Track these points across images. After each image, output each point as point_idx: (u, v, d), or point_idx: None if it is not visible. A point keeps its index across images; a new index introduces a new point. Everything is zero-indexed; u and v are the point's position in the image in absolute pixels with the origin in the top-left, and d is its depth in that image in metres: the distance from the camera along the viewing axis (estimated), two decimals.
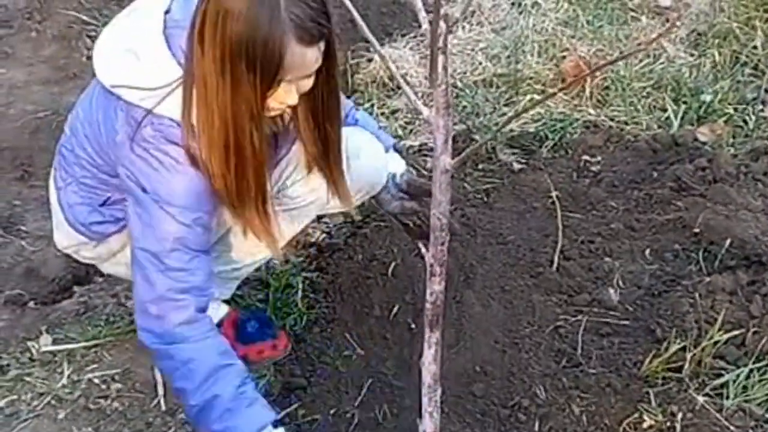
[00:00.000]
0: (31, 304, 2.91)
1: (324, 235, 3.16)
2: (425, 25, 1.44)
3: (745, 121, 3.71)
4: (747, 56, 4.06)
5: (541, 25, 4.29)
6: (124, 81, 2.07)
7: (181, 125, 2.04)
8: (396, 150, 2.77)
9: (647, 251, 3.00)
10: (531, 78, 3.94)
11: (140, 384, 2.54)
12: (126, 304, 2.83)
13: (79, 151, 2.28)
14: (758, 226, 2.97)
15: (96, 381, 2.55)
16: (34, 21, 4.44)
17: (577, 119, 3.73)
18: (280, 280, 2.92)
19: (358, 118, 2.68)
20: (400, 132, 3.68)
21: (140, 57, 2.08)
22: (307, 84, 2.09)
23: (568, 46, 4.10)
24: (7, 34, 4.35)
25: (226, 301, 2.71)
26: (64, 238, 2.48)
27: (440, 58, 1.41)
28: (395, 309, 2.81)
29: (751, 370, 2.52)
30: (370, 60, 4.12)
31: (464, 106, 3.80)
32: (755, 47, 4.08)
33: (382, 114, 3.79)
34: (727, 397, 2.45)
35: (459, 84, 3.94)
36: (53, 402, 2.48)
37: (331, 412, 2.59)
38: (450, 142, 1.51)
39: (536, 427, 2.49)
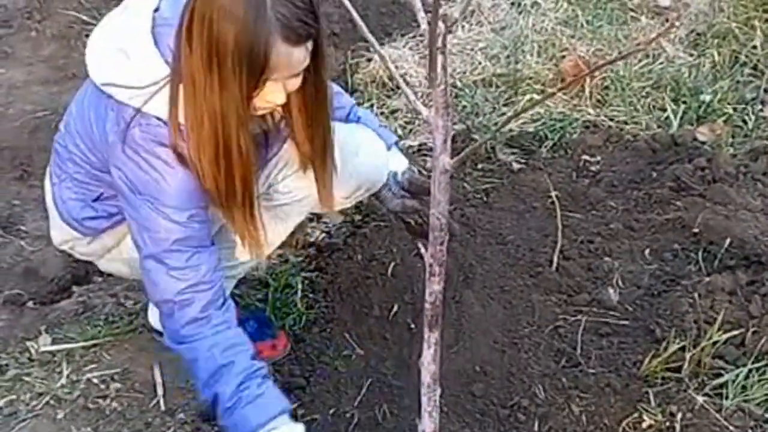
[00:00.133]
0: (30, 303, 2.91)
1: (323, 234, 3.16)
2: (424, 25, 1.44)
3: (744, 121, 3.71)
4: (746, 56, 4.06)
5: (541, 25, 4.29)
6: (113, 79, 2.08)
7: (168, 124, 2.04)
8: (398, 148, 2.76)
9: (647, 251, 3.00)
10: (530, 78, 3.94)
11: (139, 384, 2.54)
12: (125, 304, 2.83)
13: (72, 147, 2.29)
14: (757, 226, 2.97)
15: (95, 381, 2.55)
16: (33, 21, 4.44)
17: (577, 119, 3.73)
18: (279, 280, 2.91)
19: (360, 116, 2.68)
20: (399, 132, 3.68)
21: (129, 55, 2.08)
22: (295, 83, 2.09)
23: (567, 45, 4.10)
24: (7, 33, 4.34)
25: None
26: (59, 234, 2.49)
27: (439, 58, 1.41)
28: (394, 309, 2.81)
29: (751, 370, 2.51)
30: (369, 60, 4.12)
31: (464, 106, 3.80)
32: (754, 47, 4.08)
33: (382, 114, 3.79)
34: (727, 397, 2.45)
35: (458, 84, 3.94)
36: (52, 402, 2.47)
37: (331, 411, 2.59)
38: (449, 142, 1.51)
39: (536, 427, 2.49)
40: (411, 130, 3.72)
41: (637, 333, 2.72)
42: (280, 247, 3.09)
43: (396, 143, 2.75)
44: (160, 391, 2.52)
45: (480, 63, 4.09)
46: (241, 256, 2.47)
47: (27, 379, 2.54)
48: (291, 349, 2.70)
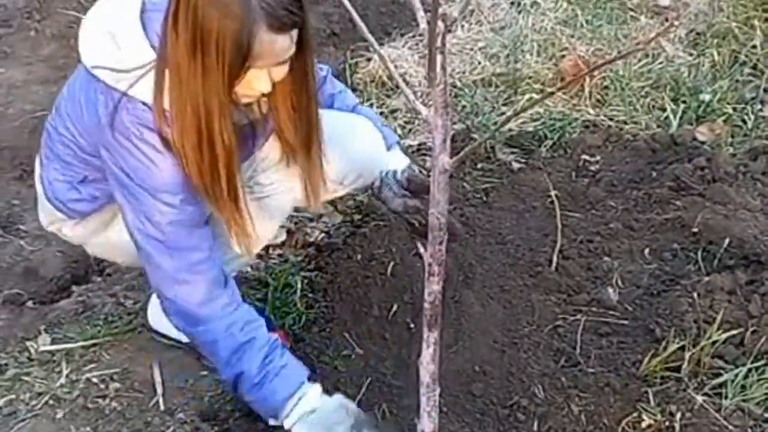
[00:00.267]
0: (30, 303, 2.91)
1: (323, 234, 3.16)
2: (423, 25, 1.44)
3: (744, 121, 3.71)
4: (746, 56, 4.06)
5: (540, 25, 4.30)
6: (102, 62, 2.10)
7: (153, 109, 2.06)
8: (399, 147, 2.76)
9: (646, 251, 3.00)
10: (530, 77, 3.94)
11: (139, 383, 2.54)
12: (125, 303, 2.83)
13: (61, 129, 2.30)
14: (757, 226, 2.97)
15: (94, 380, 2.54)
16: (33, 20, 4.44)
17: (576, 119, 3.73)
18: (278, 279, 2.91)
19: (362, 113, 2.68)
20: (399, 131, 3.68)
21: (117, 39, 2.10)
22: (281, 72, 2.10)
23: (567, 45, 4.10)
24: (7, 33, 4.35)
25: None
26: (46, 215, 2.51)
27: (439, 58, 1.40)
28: (394, 308, 2.81)
29: (750, 370, 2.51)
30: (369, 59, 4.12)
31: (463, 106, 3.80)
32: (754, 47, 4.09)
33: (382, 113, 3.78)
34: (726, 397, 2.45)
35: (458, 83, 3.94)
36: (51, 401, 2.47)
37: None
38: (449, 141, 1.51)
39: (535, 427, 2.48)
40: (410, 130, 3.73)
41: (636, 332, 2.72)
42: (279, 246, 3.10)
43: (397, 143, 2.75)
44: (159, 390, 2.52)
45: (479, 62, 4.09)
46: (230, 250, 2.45)
47: (26, 378, 2.54)
48: (290, 349, 2.69)
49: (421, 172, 2.73)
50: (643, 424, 2.42)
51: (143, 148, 2.09)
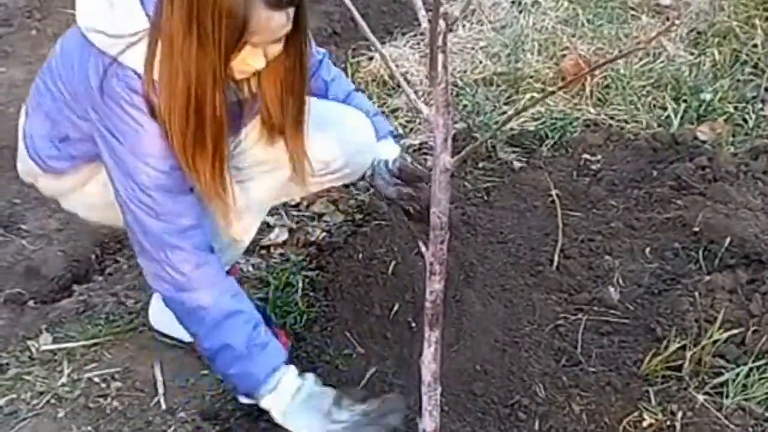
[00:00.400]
0: (31, 302, 2.91)
1: (324, 233, 3.16)
2: (425, 24, 1.44)
3: (745, 120, 3.72)
4: (747, 55, 4.06)
5: (541, 24, 4.30)
6: (95, 25, 2.10)
7: (142, 78, 2.06)
8: (392, 137, 2.76)
9: (647, 250, 3.00)
10: (531, 76, 3.95)
11: (140, 383, 2.54)
12: (126, 302, 2.83)
13: (50, 84, 2.30)
14: (758, 225, 2.97)
15: (96, 380, 2.55)
16: (33, 19, 4.44)
17: (577, 118, 3.74)
18: (280, 278, 2.91)
19: (357, 100, 2.69)
20: (400, 130, 3.68)
21: (113, 4, 2.10)
22: (276, 49, 2.11)
23: (568, 44, 4.10)
24: (7, 32, 4.35)
25: None
26: (23, 167, 2.51)
27: (440, 57, 1.41)
28: (395, 308, 2.81)
29: (751, 369, 2.51)
30: (370, 58, 4.12)
31: (464, 105, 3.80)
32: (755, 46, 4.09)
33: (383, 113, 3.78)
34: (727, 396, 2.45)
35: (459, 82, 3.94)
36: (53, 401, 2.48)
37: None
38: (450, 140, 1.51)
39: (536, 426, 2.48)
40: (412, 129, 3.73)
41: (637, 332, 2.72)
42: (281, 245, 3.10)
43: (390, 132, 2.75)
44: (160, 389, 2.52)
45: (481, 62, 4.09)
46: (220, 239, 2.44)
47: (28, 378, 2.55)
48: (291, 348, 2.69)
49: (413, 162, 2.74)
50: (644, 423, 2.42)
51: (132, 113, 2.09)
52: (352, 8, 1.50)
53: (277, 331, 2.67)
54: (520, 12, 4.46)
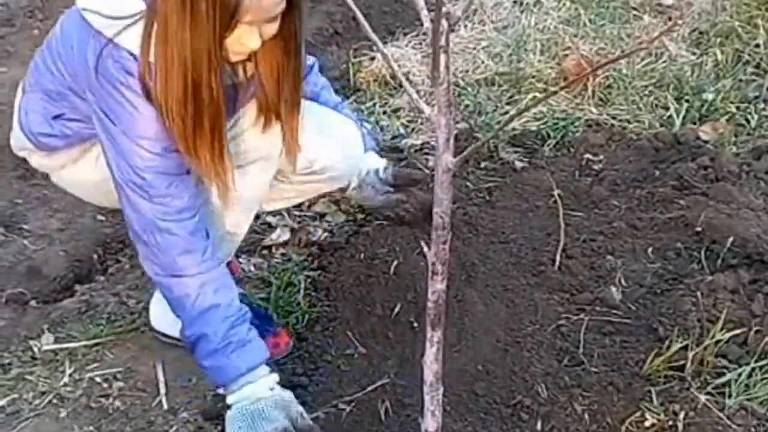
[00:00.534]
0: (33, 302, 2.91)
1: (326, 233, 3.16)
2: (427, 24, 1.44)
3: (747, 120, 3.71)
4: (749, 55, 4.06)
5: (543, 24, 4.30)
6: (92, 6, 2.13)
7: (138, 60, 2.07)
8: (376, 153, 2.77)
9: (649, 250, 3.00)
10: (533, 76, 3.94)
11: (142, 383, 2.55)
12: (128, 303, 2.83)
13: (50, 63, 2.32)
14: (760, 225, 2.97)
15: (98, 380, 2.55)
16: (35, 19, 4.45)
17: (579, 118, 3.73)
18: (281, 278, 2.91)
19: (344, 113, 2.69)
20: (402, 130, 3.68)
21: None
22: (271, 29, 2.12)
23: (570, 44, 4.10)
24: (9, 32, 4.35)
25: None
26: (16, 142, 2.53)
27: (442, 57, 1.40)
28: (397, 308, 2.81)
29: (753, 369, 2.51)
30: (372, 58, 4.12)
31: (466, 105, 3.80)
32: (757, 46, 4.09)
33: (384, 113, 3.78)
34: (729, 396, 2.45)
35: (461, 82, 3.94)
36: (55, 401, 2.48)
37: (333, 410, 2.58)
38: (452, 140, 1.51)
39: (538, 426, 2.48)
40: (413, 129, 3.72)
41: (639, 332, 2.72)
42: (282, 245, 3.10)
43: (373, 149, 2.76)
44: (162, 389, 2.53)
45: (483, 62, 4.09)
46: (217, 229, 2.44)
47: (30, 377, 2.55)
48: (293, 348, 2.69)
49: (418, 169, 2.76)
50: (647, 423, 2.41)
51: (127, 94, 2.10)
52: (355, 8, 1.50)
53: (279, 331, 2.68)
54: (522, 12, 4.46)
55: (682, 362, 2.55)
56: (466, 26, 4.36)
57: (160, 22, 2.03)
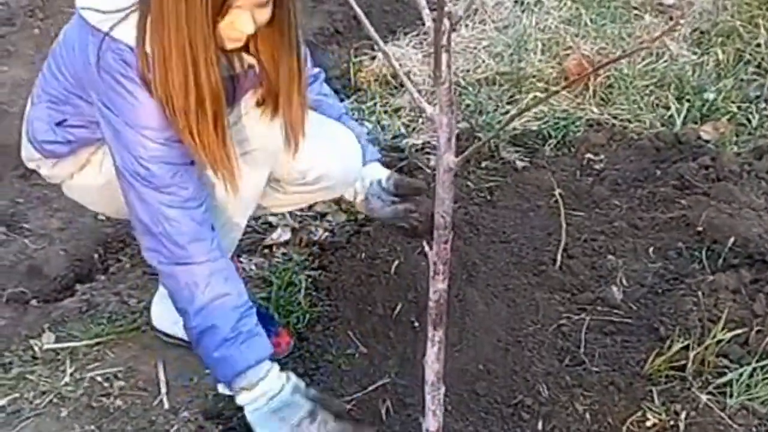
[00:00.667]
0: (34, 302, 2.91)
1: (327, 233, 3.16)
2: (429, 23, 1.44)
3: (748, 120, 3.72)
4: (750, 54, 4.06)
5: (544, 23, 4.30)
6: (89, 3, 2.14)
7: (135, 52, 2.08)
8: (380, 164, 2.77)
9: (650, 249, 3.00)
10: (534, 76, 3.95)
11: (143, 382, 2.54)
12: (129, 302, 2.83)
13: (55, 69, 2.33)
14: (761, 225, 2.97)
15: (99, 379, 2.55)
16: (36, 18, 4.45)
17: (581, 117, 3.73)
18: (282, 278, 2.91)
19: (348, 124, 2.69)
20: (403, 130, 3.68)
21: None
22: (264, 14, 2.12)
23: (571, 44, 4.10)
24: (10, 31, 4.35)
25: None
26: (26, 152, 2.54)
27: (444, 56, 1.40)
28: (398, 307, 2.81)
29: (755, 369, 2.51)
30: (373, 58, 4.13)
31: (467, 104, 3.80)
32: (758, 45, 4.09)
33: (385, 112, 3.78)
34: (731, 396, 2.45)
35: (462, 82, 3.94)
36: (56, 400, 2.47)
37: None
38: (454, 140, 1.51)
39: (539, 426, 2.48)
40: (414, 128, 3.72)
41: (641, 331, 2.72)
42: (283, 245, 3.10)
43: (378, 160, 2.76)
44: (163, 389, 2.52)
45: (484, 61, 4.09)
46: (217, 220, 2.44)
47: (30, 377, 2.55)
48: (294, 347, 2.69)
49: (404, 177, 2.75)
50: (648, 423, 2.41)
51: (128, 85, 2.11)
52: (356, 7, 1.50)
53: (280, 331, 2.67)
54: (523, 11, 4.46)
55: (683, 362, 2.55)
56: (467, 26, 4.36)
57: (155, 12, 2.04)
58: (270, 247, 3.10)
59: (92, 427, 2.40)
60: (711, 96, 3.78)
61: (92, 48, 2.12)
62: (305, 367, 2.67)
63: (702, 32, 4.29)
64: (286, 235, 3.14)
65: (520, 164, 3.49)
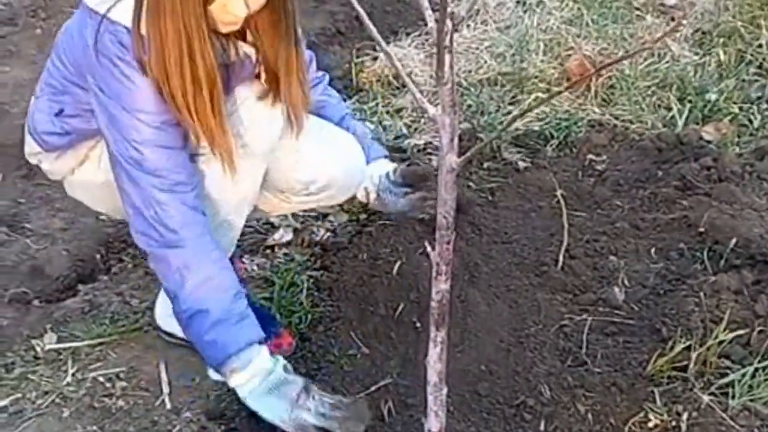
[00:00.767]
0: (36, 302, 2.91)
1: (329, 233, 3.16)
2: (431, 23, 1.44)
3: (750, 120, 3.71)
4: (752, 55, 4.06)
5: (546, 24, 4.30)
6: None
7: (131, 33, 2.11)
8: (388, 161, 2.77)
9: (652, 250, 3.00)
10: (536, 77, 3.95)
11: (145, 382, 2.54)
12: (131, 302, 2.83)
13: (56, 60, 2.35)
14: (763, 225, 2.97)
15: (101, 379, 2.55)
16: (38, 19, 4.45)
17: (582, 118, 3.73)
18: (284, 278, 2.91)
19: (352, 124, 2.69)
20: (404, 131, 3.68)
21: None
22: None
23: (572, 44, 4.10)
24: (12, 32, 4.36)
25: None
26: (28, 146, 2.57)
27: (447, 57, 1.40)
28: (400, 308, 2.81)
29: (757, 370, 2.51)
30: (375, 58, 4.13)
31: (469, 105, 3.80)
32: (760, 46, 4.09)
33: (387, 113, 3.78)
34: (733, 397, 2.44)
35: (464, 83, 3.94)
36: (58, 400, 2.48)
37: None
38: (456, 140, 1.51)
39: (541, 427, 2.48)
40: (416, 129, 3.72)
41: (642, 332, 2.72)
42: (285, 245, 3.10)
43: (385, 156, 2.76)
44: (165, 389, 2.52)
45: (485, 62, 4.09)
46: (216, 218, 2.45)
47: (33, 377, 2.55)
48: (296, 348, 2.69)
49: (408, 167, 2.75)
50: (650, 424, 2.41)
51: (123, 67, 2.13)
52: (359, 8, 1.50)
53: (282, 331, 2.68)
54: (525, 12, 4.46)
55: (685, 363, 2.55)
56: (468, 26, 4.36)
57: None
58: (272, 247, 3.10)
59: (94, 427, 2.40)
60: (713, 97, 3.78)
61: (90, 31, 2.15)
62: (307, 367, 2.67)
63: (703, 33, 4.29)
64: (288, 236, 3.14)
65: (521, 165, 3.49)
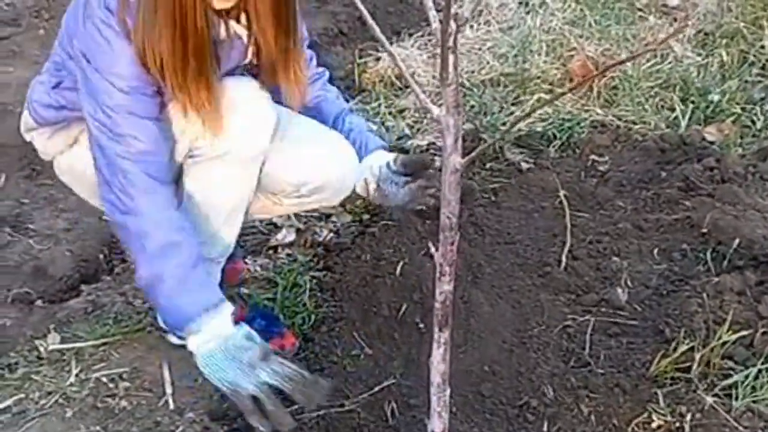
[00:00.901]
0: (39, 302, 2.91)
1: (331, 234, 3.16)
2: (435, 24, 1.44)
3: (753, 121, 3.72)
4: (755, 56, 4.07)
5: (549, 25, 4.30)
6: None
7: None
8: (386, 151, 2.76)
9: (655, 251, 3.00)
10: (538, 77, 3.95)
11: (148, 383, 2.54)
12: (134, 302, 2.83)
13: (59, 36, 2.39)
14: (766, 226, 2.97)
15: (104, 379, 2.54)
16: (41, 19, 4.46)
17: (585, 119, 3.74)
18: (287, 279, 2.91)
19: (349, 119, 2.69)
20: (407, 131, 3.68)
21: None
22: None
23: (575, 45, 4.11)
24: (15, 32, 4.36)
25: (233, 301, 2.71)
26: (23, 122, 2.57)
27: (451, 58, 1.40)
28: (403, 308, 2.81)
29: (760, 371, 2.51)
30: (377, 59, 4.13)
31: (472, 106, 3.80)
32: (763, 47, 4.09)
33: (390, 113, 3.79)
34: (736, 398, 2.44)
35: (467, 83, 3.94)
36: (61, 400, 2.47)
37: (339, 411, 2.58)
38: (460, 141, 1.51)
39: (545, 427, 2.48)
40: (419, 129, 3.73)
41: (646, 333, 2.72)
42: (288, 246, 3.10)
43: (383, 147, 2.74)
44: (168, 389, 2.52)
45: (488, 62, 4.10)
46: (210, 226, 2.45)
47: (36, 377, 2.54)
48: (299, 348, 2.69)
49: (408, 155, 2.74)
50: (653, 425, 2.41)
51: (104, 30, 2.14)
52: (362, 8, 1.50)
53: (285, 332, 2.68)
54: (528, 13, 4.47)
55: (688, 364, 2.54)
56: (471, 27, 4.36)
57: None
58: (275, 248, 3.11)
59: (97, 427, 2.40)
60: (715, 97, 3.78)
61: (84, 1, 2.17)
62: (310, 368, 2.66)
63: (706, 34, 4.29)
64: (291, 236, 3.15)
65: (524, 165, 3.50)
